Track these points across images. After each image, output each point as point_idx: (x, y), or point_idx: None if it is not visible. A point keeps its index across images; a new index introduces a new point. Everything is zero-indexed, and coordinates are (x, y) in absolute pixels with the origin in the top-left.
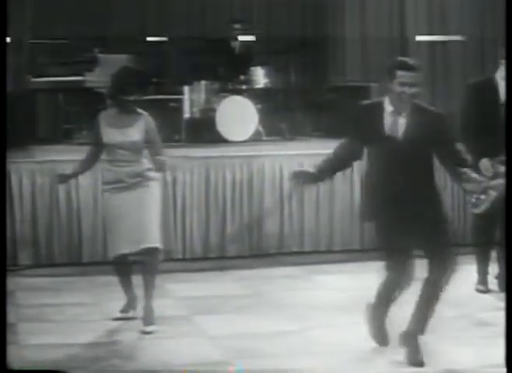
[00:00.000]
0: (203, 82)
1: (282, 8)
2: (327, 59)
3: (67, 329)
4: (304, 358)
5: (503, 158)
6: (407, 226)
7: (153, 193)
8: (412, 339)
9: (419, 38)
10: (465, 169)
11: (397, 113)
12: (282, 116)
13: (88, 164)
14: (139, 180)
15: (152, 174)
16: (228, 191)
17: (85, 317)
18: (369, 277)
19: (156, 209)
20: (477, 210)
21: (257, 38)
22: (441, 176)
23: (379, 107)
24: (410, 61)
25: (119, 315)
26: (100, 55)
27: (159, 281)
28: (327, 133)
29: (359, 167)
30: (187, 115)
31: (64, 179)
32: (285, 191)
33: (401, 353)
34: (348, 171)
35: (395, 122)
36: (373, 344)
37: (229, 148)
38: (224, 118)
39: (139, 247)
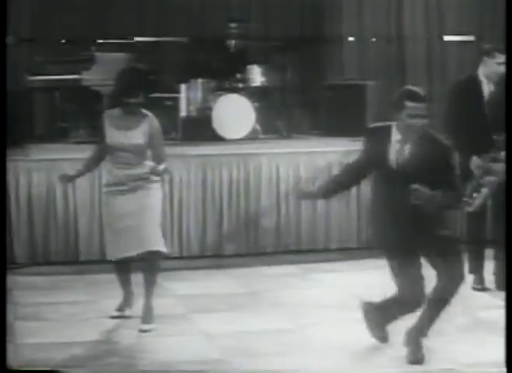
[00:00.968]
0: (200, 80)
1: (279, 6)
2: (324, 57)
3: (63, 327)
4: (301, 356)
5: (492, 155)
6: (414, 248)
7: (155, 196)
8: (414, 339)
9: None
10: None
11: (404, 141)
12: (279, 114)
13: (93, 163)
14: (141, 183)
15: (155, 177)
16: (225, 189)
17: (81, 315)
18: (366, 275)
19: (157, 212)
20: (469, 209)
21: (254, 36)
22: None
23: (387, 133)
24: (420, 91)
25: (115, 313)
26: (97, 53)
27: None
28: (325, 131)
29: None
30: (183, 113)
31: (68, 179)
32: (281, 190)
33: (398, 351)
34: None
35: (401, 150)
36: (370, 342)
37: (226, 146)
38: (221, 116)
39: (142, 250)
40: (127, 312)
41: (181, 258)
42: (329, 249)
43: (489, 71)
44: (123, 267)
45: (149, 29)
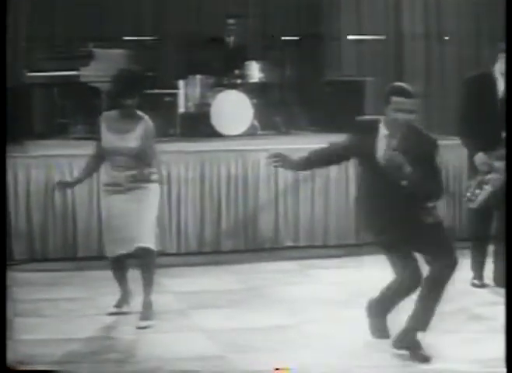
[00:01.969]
0: (198, 77)
1: (277, 2)
2: (322, 53)
3: (62, 323)
4: (299, 352)
5: (499, 153)
6: (402, 233)
7: (150, 196)
8: (410, 337)
9: None
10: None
11: (390, 136)
12: (278, 110)
13: (92, 170)
14: (138, 184)
15: (153, 177)
16: (223, 185)
17: (80, 312)
18: (364, 271)
19: (152, 211)
20: (472, 205)
21: (252, 32)
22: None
23: (375, 127)
24: (407, 86)
25: (113, 310)
26: (95, 50)
27: (154, 276)
28: (323, 127)
29: (354, 162)
30: (182, 109)
31: (65, 186)
32: (280, 186)
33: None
34: (343, 166)
35: (388, 145)
36: (368, 338)
37: (224, 142)
38: (219, 112)
39: (133, 247)
40: (125, 309)
41: (179, 254)
42: (327, 246)
43: (504, 69)
44: (118, 265)
45: (148, 26)
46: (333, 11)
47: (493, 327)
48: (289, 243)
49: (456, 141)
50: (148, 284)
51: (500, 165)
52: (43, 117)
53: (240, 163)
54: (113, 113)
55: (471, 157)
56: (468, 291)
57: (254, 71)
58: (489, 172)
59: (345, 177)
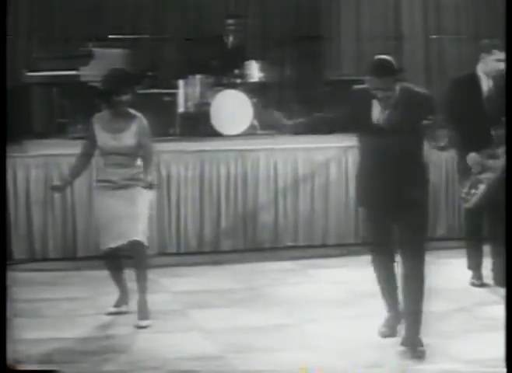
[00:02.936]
0: (198, 76)
1: (276, 2)
2: (322, 53)
3: (61, 323)
4: (299, 352)
5: (490, 151)
6: (390, 209)
7: (144, 192)
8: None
9: None
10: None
11: (383, 100)
12: (277, 109)
13: (80, 170)
14: (132, 182)
15: (148, 175)
16: (222, 185)
17: (79, 311)
18: (364, 271)
19: (144, 206)
20: (468, 205)
21: (251, 32)
22: (438, 175)
23: (369, 94)
24: (381, 65)
25: (112, 309)
26: (95, 49)
27: (153, 276)
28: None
29: (353, 162)
30: (181, 109)
31: (59, 189)
32: (279, 185)
33: (396, 347)
34: (343, 165)
35: (382, 110)
36: (369, 338)
37: (224, 142)
38: (219, 112)
39: (124, 241)
40: (124, 308)
41: (179, 254)
42: (327, 245)
43: (487, 68)
44: (114, 264)
45: (148, 25)
46: (333, 11)
47: (493, 327)
48: (289, 243)
49: None
50: (142, 282)
51: (493, 163)
52: (42, 117)
53: (239, 163)
54: (104, 113)
55: (462, 157)
56: (467, 290)
57: (254, 71)
58: (482, 172)
59: (344, 177)
